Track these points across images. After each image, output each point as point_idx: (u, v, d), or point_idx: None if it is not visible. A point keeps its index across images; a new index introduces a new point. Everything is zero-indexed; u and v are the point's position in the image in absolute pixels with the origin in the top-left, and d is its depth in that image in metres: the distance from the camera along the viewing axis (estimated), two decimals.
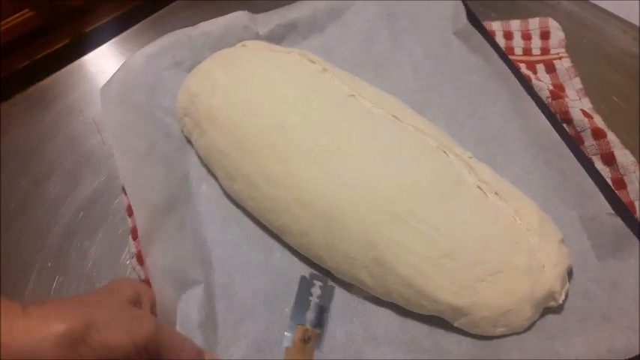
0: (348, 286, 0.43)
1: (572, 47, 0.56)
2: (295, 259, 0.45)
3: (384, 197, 0.40)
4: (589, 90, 0.52)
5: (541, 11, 0.59)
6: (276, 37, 0.58)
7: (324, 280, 0.35)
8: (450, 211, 0.39)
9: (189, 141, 0.52)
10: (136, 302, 0.35)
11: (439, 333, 0.40)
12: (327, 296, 0.35)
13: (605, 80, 0.53)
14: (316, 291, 0.35)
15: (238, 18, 0.57)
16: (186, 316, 0.40)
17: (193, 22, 0.56)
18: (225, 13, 0.57)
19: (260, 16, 0.58)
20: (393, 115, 0.45)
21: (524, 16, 0.58)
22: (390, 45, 0.57)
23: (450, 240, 0.38)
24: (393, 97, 0.49)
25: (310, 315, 0.34)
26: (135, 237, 0.48)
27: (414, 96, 0.52)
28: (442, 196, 0.40)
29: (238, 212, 0.48)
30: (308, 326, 0.34)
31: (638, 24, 0.57)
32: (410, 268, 0.38)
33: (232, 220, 0.48)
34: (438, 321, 0.40)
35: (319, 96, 0.46)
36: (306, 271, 0.44)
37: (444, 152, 0.43)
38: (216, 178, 0.50)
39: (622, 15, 0.58)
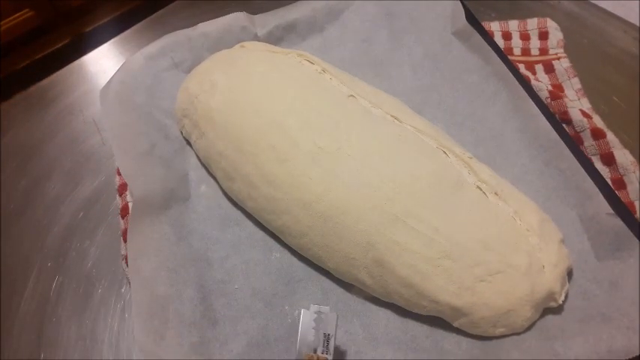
0: (348, 287, 0.43)
1: (572, 47, 0.56)
2: (295, 259, 0.45)
3: (384, 198, 0.40)
4: (589, 90, 0.52)
5: (541, 11, 0.59)
6: (275, 38, 0.58)
7: (325, 309, 0.37)
8: (449, 212, 0.39)
9: (188, 142, 0.52)
10: None
11: (439, 333, 0.40)
12: (329, 324, 0.37)
13: (605, 80, 0.53)
14: (319, 321, 0.36)
15: (237, 19, 0.57)
16: (180, 314, 0.41)
17: (193, 22, 0.56)
18: (225, 13, 0.57)
19: (258, 17, 0.58)
20: (392, 116, 0.45)
21: (525, 16, 0.58)
22: (389, 45, 0.57)
23: (450, 240, 0.38)
24: (393, 97, 0.49)
25: (316, 343, 0.36)
26: (124, 215, 0.49)
27: (413, 96, 0.53)
28: (442, 196, 0.40)
29: (238, 212, 0.48)
30: (315, 355, 0.35)
31: (638, 24, 0.57)
32: (409, 269, 0.38)
33: (232, 221, 0.48)
34: (437, 321, 0.40)
35: (318, 96, 0.46)
36: (305, 270, 0.44)
37: (444, 152, 0.43)
38: (215, 179, 0.50)
39: (622, 15, 0.58)
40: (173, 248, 0.44)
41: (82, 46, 0.68)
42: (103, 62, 0.65)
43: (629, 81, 0.53)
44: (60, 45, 0.77)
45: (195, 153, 0.51)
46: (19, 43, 0.75)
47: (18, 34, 0.74)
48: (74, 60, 0.65)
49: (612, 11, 0.58)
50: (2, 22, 0.71)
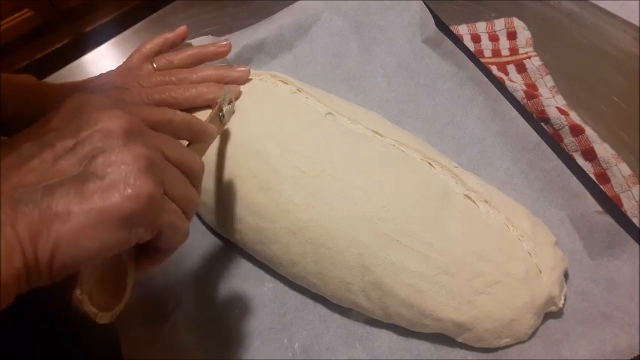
0: (346, 311, 0.42)
1: (571, 48, 0.56)
2: (288, 288, 0.44)
3: (374, 218, 0.39)
4: (589, 91, 0.52)
5: (541, 11, 0.59)
6: (244, 59, 0.56)
7: None
8: (441, 225, 0.39)
9: None
10: None
11: (444, 349, 0.39)
12: None
13: (605, 80, 0.53)
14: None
15: (203, 42, 0.55)
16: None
17: (193, 23, 0.54)
18: (225, 13, 0.55)
19: (225, 39, 0.56)
20: (372, 131, 0.45)
21: (525, 16, 0.58)
22: (360, 57, 0.56)
23: (445, 255, 0.37)
24: (371, 111, 0.48)
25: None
26: None
27: (390, 108, 0.52)
28: (432, 210, 0.39)
29: (223, 244, 0.47)
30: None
31: (638, 24, 0.57)
32: (408, 288, 0.38)
33: (218, 252, 0.46)
34: (441, 337, 0.39)
35: (296, 118, 0.45)
36: (300, 298, 0.43)
37: (429, 164, 0.42)
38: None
39: (622, 15, 0.58)
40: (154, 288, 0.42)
41: (81, 46, 0.66)
42: (102, 62, 0.63)
43: (629, 81, 0.53)
44: (60, 45, 0.77)
45: None
46: (19, 43, 0.74)
47: (18, 34, 0.73)
48: (74, 60, 0.63)
49: (612, 11, 0.58)
50: (2, 22, 0.71)
